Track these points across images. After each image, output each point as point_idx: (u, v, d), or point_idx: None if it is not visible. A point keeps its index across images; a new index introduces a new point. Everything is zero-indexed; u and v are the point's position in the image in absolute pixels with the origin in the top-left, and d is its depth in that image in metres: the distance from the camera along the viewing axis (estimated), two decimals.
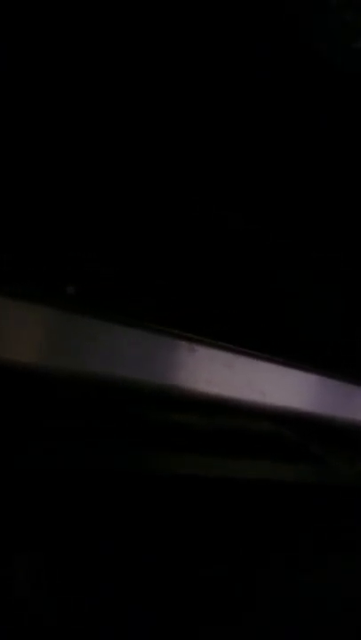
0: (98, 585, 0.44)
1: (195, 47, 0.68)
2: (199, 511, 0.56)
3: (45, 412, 0.59)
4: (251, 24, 0.69)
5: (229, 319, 0.73)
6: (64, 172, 0.63)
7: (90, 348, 0.62)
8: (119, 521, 0.50)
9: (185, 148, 0.70)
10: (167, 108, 0.68)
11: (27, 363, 0.58)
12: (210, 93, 0.71)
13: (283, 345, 0.76)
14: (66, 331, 0.61)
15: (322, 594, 0.56)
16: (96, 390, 0.62)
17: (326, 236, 0.83)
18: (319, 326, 0.84)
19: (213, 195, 0.73)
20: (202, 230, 0.72)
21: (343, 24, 0.71)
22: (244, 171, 0.76)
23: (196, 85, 0.69)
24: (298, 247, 0.81)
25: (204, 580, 0.50)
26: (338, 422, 0.80)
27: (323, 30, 0.72)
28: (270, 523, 0.60)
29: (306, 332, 0.82)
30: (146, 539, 0.51)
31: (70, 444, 0.56)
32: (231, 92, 0.72)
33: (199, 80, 0.69)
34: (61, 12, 0.59)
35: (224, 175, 0.74)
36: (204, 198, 0.72)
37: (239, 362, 0.69)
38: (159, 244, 0.69)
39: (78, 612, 0.42)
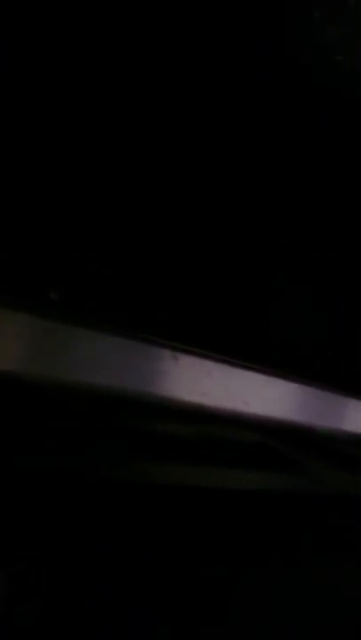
0: (98, 585, 0.44)
1: (191, 51, 0.68)
2: (181, 520, 0.55)
3: (25, 421, 0.58)
4: (235, 36, 0.69)
5: (212, 328, 0.72)
6: (47, 172, 0.62)
7: (71, 355, 0.61)
8: (108, 527, 0.50)
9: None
10: (165, 107, 0.69)
11: (6, 371, 0.58)
12: (206, 96, 0.71)
13: (266, 354, 0.76)
14: (46, 338, 0.60)
15: (316, 599, 0.56)
16: (76, 399, 0.62)
17: (309, 244, 0.84)
18: (302, 336, 0.85)
19: (201, 203, 0.74)
20: (185, 236, 0.72)
21: (326, 36, 0.72)
22: (237, 178, 0.77)
23: (191, 87, 0.70)
24: (281, 258, 0.81)
25: (198, 582, 0.50)
26: (320, 431, 0.80)
27: (305, 42, 0.73)
28: (253, 531, 0.60)
29: (289, 341, 0.83)
30: (134, 543, 0.51)
31: (52, 453, 0.56)
32: (226, 98, 0.73)
33: (194, 82, 0.70)
34: (61, 11, 0.59)
35: (218, 184, 0.75)
36: (189, 205, 0.73)
37: (222, 371, 0.69)
38: (143, 251, 0.69)
39: (78, 613, 0.42)
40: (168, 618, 0.46)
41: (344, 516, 0.69)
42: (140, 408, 0.65)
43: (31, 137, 0.61)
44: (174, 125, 0.70)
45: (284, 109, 0.76)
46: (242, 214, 0.76)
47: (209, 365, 0.68)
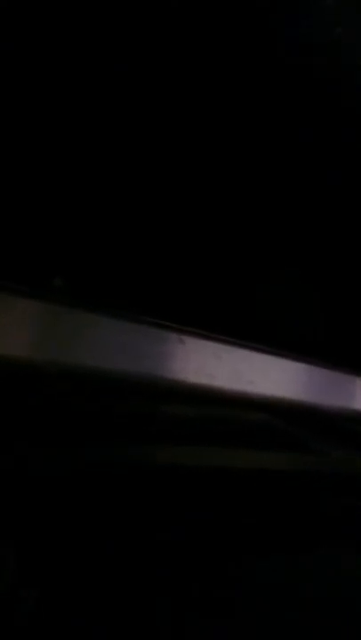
0: (101, 573, 0.45)
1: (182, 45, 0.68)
2: (190, 501, 0.56)
3: (32, 405, 0.58)
4: (232, 15, 0.69)
5: (217, 310, 0.73)
6: (47, 162, 0.62)
7: (78, 340, 0.62)
8: (110, 512, 0.50)
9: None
10: (162, 100, 0.69)
11: (14, 356, 0.58)
12: (207, 94, 0.71)
13: (272, 334, 0.76)
14: (54, 323, 0.61)
15: (322, 579, 0.56)
16: (84, 383, 0.62)
17: (311, 229, 0.84)
18: (307, 315, 0.85)
19: (201, 189, 0.74)
20: (190, 222, 0.72)
21: (323, 9, 0.72)
22: (231, 167, 0.77)
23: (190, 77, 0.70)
24: (283, 239, 0.81)
25: (198, 573, 0.50)
26: (326, 410, 0.80)
27: (302, 17, 0.72)
28: (262, 511, 0.60)
29: (293, 321, 0.83)
30: (139, 530, 0.51)
31: (58, 438, 0.56)
32: (227, 79, 0.73)
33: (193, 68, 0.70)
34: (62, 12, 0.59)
35: (214, 169, 0.75)
36: (191, 190, 0.73)
37: (228, 352, 0.70)
38: (146, 235, 0.69)
39: (79, 604, 0.42)
40: (171, 603, 0.46)
41: (350, 495, 0.69)
42: (147, 391, 0.66)
43: (34, 125, 0.61)
44: (170, 114, 0.70)
45: (285, 89, 0.76)
46: (246, 203, 0.77)
47: (215, 347, 0.69)
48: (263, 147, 0.80)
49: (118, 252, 0.67)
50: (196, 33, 0.70)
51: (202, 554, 0.52)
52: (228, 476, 0.61)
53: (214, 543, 0.54)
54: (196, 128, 0.73)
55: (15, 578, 0.41)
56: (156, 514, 0.53)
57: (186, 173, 0.73)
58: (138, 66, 0.67)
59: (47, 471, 0.50)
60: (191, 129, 0.73)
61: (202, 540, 0.53)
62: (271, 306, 0.80)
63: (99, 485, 0.51)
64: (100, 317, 0.63)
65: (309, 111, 0.83)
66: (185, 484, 0.57)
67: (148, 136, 0.69)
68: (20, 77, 0.60)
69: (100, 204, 0.67)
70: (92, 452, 0.57)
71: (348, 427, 0.82)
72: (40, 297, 0.60)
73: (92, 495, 0.50)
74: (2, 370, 0.58)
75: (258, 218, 0.78)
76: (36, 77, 0.60)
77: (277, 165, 0.82)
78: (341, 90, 0.86)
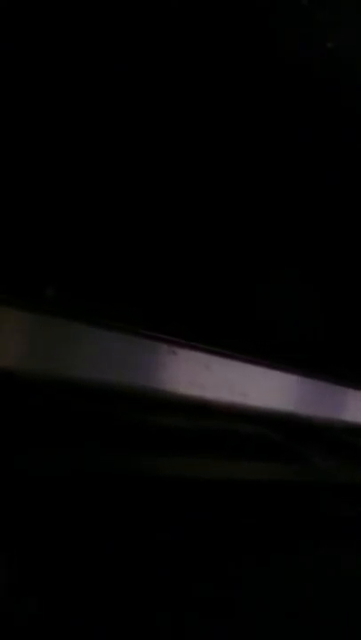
0: (98, 579, 0.45)
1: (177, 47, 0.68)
2: (183, 512, 0.56)
3: (25, 417, 0.58)
4: (223, 26, 0.68)
5: (209, 321, 0.73)
6: (41, 166, 0.62)
7: (69, 351, 0.62)
8: (103, 522, 0.50)
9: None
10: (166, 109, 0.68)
11: (5, 367, 0.58)
12: (203, 96, 0.71)
13: (263, 346, 0.76)
14: (45, 335, 0.61)
15: (317, 588, 0.57)
16: (76, 394, 0.62)
17: (306, 237, 0.84)
18: (299, 327, 0.85)
19: (198, 196, 0.73)
20: (182, 231, 0.72)
21: (315, 23, 0.71)
22: (230, 168, 0.76)
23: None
24: (279, 248, 0.81)
25: (199, 574, 0.51)
26: (318, 421, 0.80)
27: (295, 30, 0.71)
28: (255, 522, 0.60)
29: (286, 333, 0.83)
30: (133, 535, 0.51)
31: (52, 449, 0.56)
32: (219, 90, 0.72)
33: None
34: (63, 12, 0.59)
35: (212, 172, 0.74)
36: (188, 197, 0.72)
37: (220, 364, 0.70)
38: (137, 245, 0.69)
39: (78, 607, 0.42)
40: (169, 610, 0.46)
41: (343, 505, 0.70)
42: (139, 402, 0.66)
43: (28, 130, 0.61)
44: (169, 115, 0.70)
45: (277, 98, 0.76)
46: (237, 209, 0.76)
47: (207, 359, 0.69)
48: (263, 147, 0.79)
49: (110, 261, 0.67)
50: (196, 33, 0.69)
51: (198, 559, 0.52)
52: (219, 488, 0.61)
53: (205, 554, 0.54)
54: (196, 129, 0.72)
55: (15, 578, 0.42)
56: (150, 520, 0.53)
57: (184, 178, 0.72)
58: (138, 66, 0.66)
59: (38, 481, 0.50)
60: (190, 130, 0.72)
61: (195, 547, 0.54)
62: (263, 317, 0.79)
63: (89, 495, 0.52)
64: (91, 328, 0.63)
65: (309, 111, 0.82)
66: (176, 494, 0.57)
67: (146, 139, 0.68)
68: (17, 79, 0.59)
69: (92, 210, 0.66)
70: (83, 462, 0.57)
71: (340, 437, 0.82)
72: (31, 308, 0.60)
73: (81, 505, 0.50)
74: None
75: (255, 225, 0.78)
76: (34, 78, 0.60)
77: (277, 165, 0.81)
78: (341, 90, 0.85)
